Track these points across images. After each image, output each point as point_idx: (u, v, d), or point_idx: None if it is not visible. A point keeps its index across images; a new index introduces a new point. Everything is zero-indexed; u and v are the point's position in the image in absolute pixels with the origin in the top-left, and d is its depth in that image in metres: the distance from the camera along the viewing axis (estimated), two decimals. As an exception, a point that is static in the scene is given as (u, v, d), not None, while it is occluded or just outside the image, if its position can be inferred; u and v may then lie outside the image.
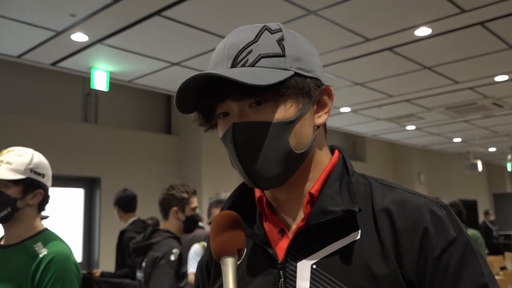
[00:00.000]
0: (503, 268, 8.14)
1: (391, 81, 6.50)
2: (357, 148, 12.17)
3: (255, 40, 0.82)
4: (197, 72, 0.78)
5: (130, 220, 4.40)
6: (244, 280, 0.87)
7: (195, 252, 4.20)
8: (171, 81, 6.18)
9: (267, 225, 0.88)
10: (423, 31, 4.84)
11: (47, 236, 1.75)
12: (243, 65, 0.81)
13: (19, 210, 1.71)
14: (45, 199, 1.80)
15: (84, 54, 5.27)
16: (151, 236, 2.97)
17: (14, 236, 1.73)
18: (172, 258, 2.77)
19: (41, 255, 1.66)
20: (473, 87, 6.97)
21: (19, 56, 5.31)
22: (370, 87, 6.78)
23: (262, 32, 0.83)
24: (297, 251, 0.82)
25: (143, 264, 2.95)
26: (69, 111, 7.40)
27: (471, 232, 3.92)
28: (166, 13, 4.33)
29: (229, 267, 0.77)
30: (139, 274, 3.01)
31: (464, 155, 13.43)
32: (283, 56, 0.82)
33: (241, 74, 0.77)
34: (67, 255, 1.71)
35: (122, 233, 4.50)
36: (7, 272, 1.66)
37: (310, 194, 0.83)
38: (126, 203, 4.44)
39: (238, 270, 0.89)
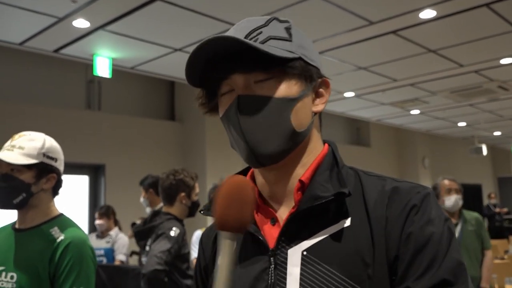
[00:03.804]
0: (507, 252, 8.16)
1: (395, 65, 6.45)
2: (361, 133, 12.14)
3: (265, 25, 0.87)
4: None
5: (161, 204, 4.26)
6: (235, 269, 0.87)
7: (198, 237, 4.23)
8: (174, 67, 6.15)
9: (258, 216, 0.89)
10: (427, 14, 4.78)
11: (63, 221, 1.75)
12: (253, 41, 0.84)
13: (34, 195, 1.70)
14: (58, 184, 1.80)
15: (86, 41, 5.25)
16: (152, 220, 3.01)
17: (30, 220, 1.73)
18: (172, 234, 2.81)
19: (58, 240, 1.67)
20: (478, 70, 6.91)
21: (21, 44, 5.29)
22: (374, 71, 6.73)
23: (272, 21, 0.89)
24: (288, 238, 0.83)
25: (147, 248, 2.99)
26: (72, 98, 7.39)
27: (475, 215, 3.92)
28: (167, -2, 4.29)
29: (232, 244, 0.71)
30: (144, 259, 3.04)
31: (469, 139, 13.37)
32: (290, 41, 0.86)
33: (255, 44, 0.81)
34: (84, 240, 1.72)
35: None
36: (24, 255, 1.66)
37: (301, 181, 0.85)
38: (157, 187, 4.19)
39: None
